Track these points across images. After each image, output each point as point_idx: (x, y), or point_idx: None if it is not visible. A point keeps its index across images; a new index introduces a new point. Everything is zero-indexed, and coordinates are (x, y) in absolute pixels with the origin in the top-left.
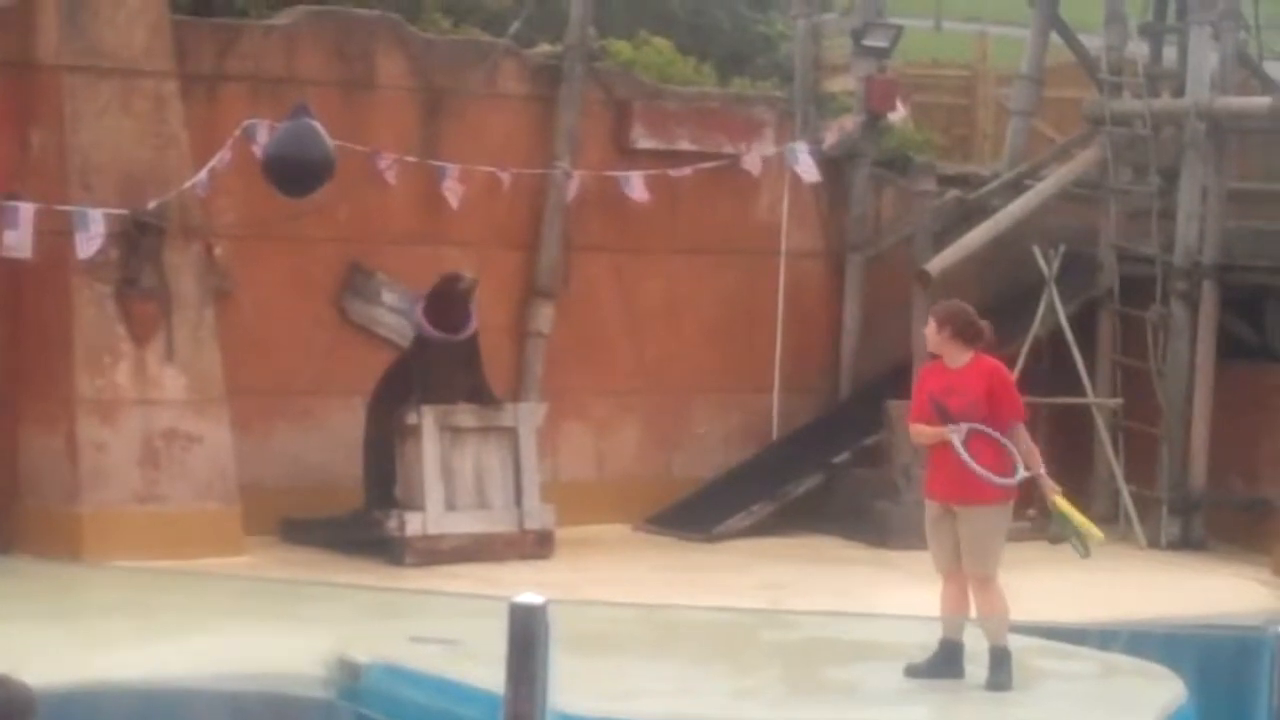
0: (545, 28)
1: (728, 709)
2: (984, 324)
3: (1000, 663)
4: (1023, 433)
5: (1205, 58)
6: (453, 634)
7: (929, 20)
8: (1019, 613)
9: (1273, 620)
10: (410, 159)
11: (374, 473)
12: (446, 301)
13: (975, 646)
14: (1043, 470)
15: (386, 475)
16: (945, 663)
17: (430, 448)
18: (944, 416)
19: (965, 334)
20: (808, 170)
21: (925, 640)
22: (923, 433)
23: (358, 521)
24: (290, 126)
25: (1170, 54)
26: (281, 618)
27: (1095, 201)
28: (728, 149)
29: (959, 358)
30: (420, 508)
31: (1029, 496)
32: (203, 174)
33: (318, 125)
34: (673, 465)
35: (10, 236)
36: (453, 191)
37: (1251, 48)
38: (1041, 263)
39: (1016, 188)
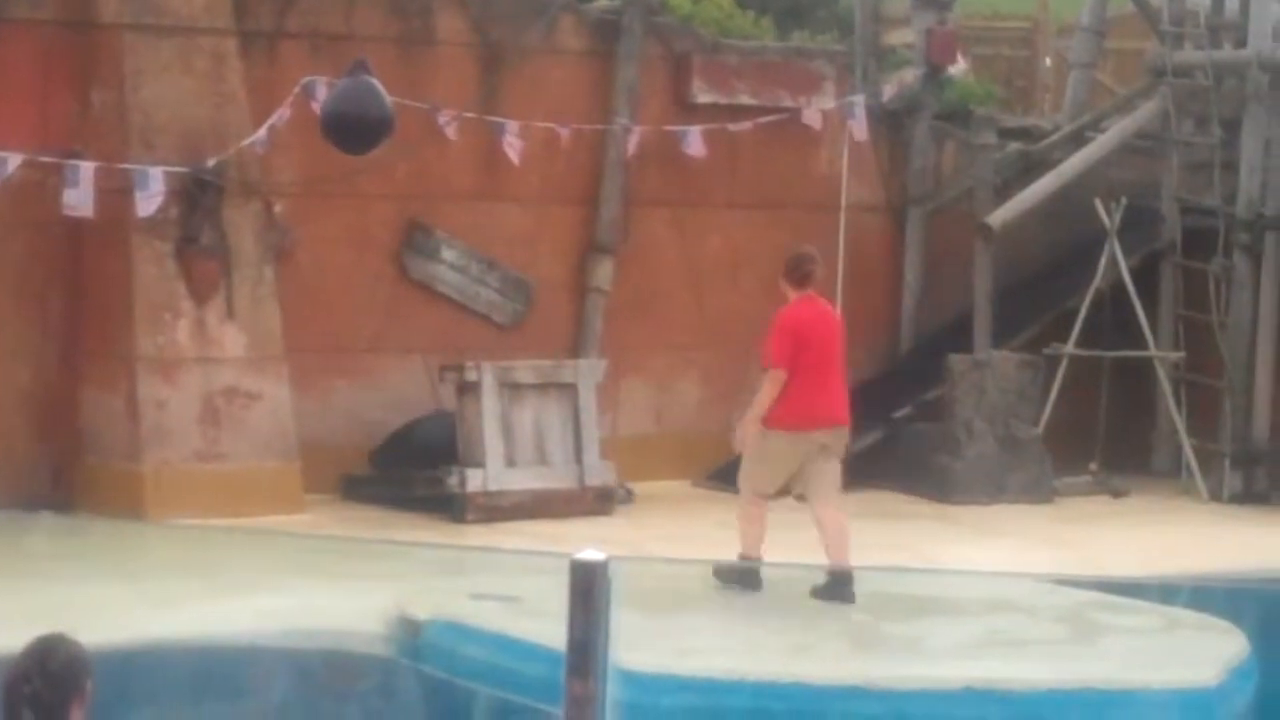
0: None
1: (789, 665)
2: (807, 270)
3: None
4: (769, 377)
5: (1267, 8)
6: (513, 591)
7: None
8: (1085, 567)
9: None
10: (469, 115)
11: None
12: None
13: (1038, 603)
14: (748, 416)
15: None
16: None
17: (490, 404)
18: None
19: (790, 276)
20: (860, 128)
21: (987, 594)
22: None
23: (407, 479)
24: (349, 83)
25: (1232, 4)
26: (341, 575)
27: (1157, 154)
28: (787, 103)
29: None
30: (480, 464)
31: (1091, 450)
32: (262, 131)
33: (377, 82)
34: (733, 420)
35: (71, 195)
36: (512, 148)
37: None
38: (1103, 215)
39: (1077, 140)
